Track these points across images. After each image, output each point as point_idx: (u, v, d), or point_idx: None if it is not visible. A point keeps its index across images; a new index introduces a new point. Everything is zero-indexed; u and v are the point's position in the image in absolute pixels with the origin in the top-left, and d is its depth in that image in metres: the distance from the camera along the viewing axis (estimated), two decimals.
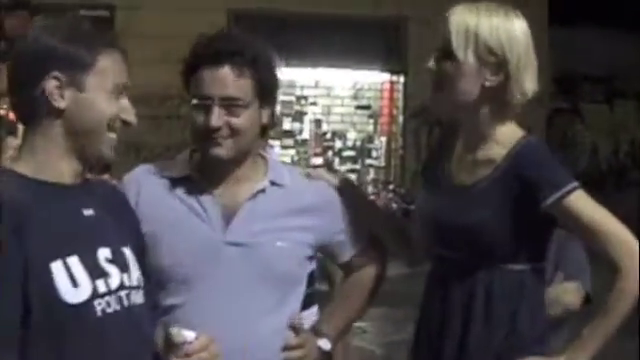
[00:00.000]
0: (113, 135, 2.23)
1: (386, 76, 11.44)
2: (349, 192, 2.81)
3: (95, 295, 2.14)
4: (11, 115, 12.09)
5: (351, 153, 11.77)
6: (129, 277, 2.24)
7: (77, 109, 2.18)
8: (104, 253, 2.20)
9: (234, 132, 2.59)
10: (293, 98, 11.58)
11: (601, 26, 11.11)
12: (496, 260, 2.54)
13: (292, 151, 11.68)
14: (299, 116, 11.64)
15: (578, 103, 12.12)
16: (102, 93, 2.19)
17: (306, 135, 11.72)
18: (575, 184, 2.49)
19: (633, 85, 12.33)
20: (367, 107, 11.66)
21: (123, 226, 2.34)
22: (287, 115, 11.57)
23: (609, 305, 2.45)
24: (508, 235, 2.52)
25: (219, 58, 2.58)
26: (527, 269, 2.57)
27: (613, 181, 12.82)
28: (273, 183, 2.70)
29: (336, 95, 11.60)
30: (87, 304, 2.12)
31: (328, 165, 11.55)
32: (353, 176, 11.60)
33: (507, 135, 2.56)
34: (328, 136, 11.75)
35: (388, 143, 11.65)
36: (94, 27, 2.25)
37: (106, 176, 3.07)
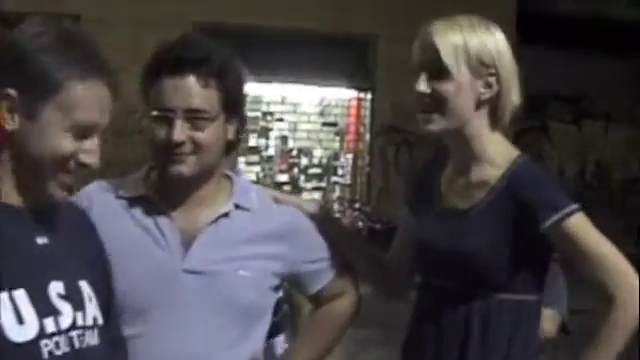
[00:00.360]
0: (66, 177, 1.97)
1: (353, 93, 11.34)
2: (322, 218, 2.62)
3: (42, 335, 1.90)
4: None
5: (317, 170, 11.65)
6: (83, 316, 2.01)
7: (25, 138, 1.93)
8: (56, 288, 1.97)
9: (198, 148, 2.38)
10: (259, 114, 11.46)
11: (569, 46, 11.09)
12: (491, 289, 2.41)
13: (257, 168, 11.55)
14: (265, 132, 11.52)
15: (546, 122, 12.09)
16: (57, 130, 1.92)
17: (272, 152, 11.59)
18: (575, 206, 2.38)
19: (601, 106, 12.33)
20: (334, 124, 11.56)
21: (84, 256, 2.10)
22: (253, 131, 11.42)
23: (602, 338, 2.31)
24: (504, 262, 2.39)
25: (183, 66, 2.38)
26: (524, 300, 2.44)
27: (579, 202, 12.79)
28: (238, 206, 2.50)
29: (302, 111, 11.49)
30: (33, 344, 1.89)
31: (293, 182, 11.46)
32: (318, 194, 11.51)
33: (501, 155, 2.45)
34: (294, 153, 11.62)
35: (354, 161, 11.54)
36: (88, 46, 1.96)
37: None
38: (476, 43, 2.41)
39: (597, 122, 12.81)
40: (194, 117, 2.39)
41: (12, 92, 1.90)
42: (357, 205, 10.91)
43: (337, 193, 11.65)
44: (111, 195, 2.50)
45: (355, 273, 2.68)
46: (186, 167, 2.39)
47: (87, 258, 2.12)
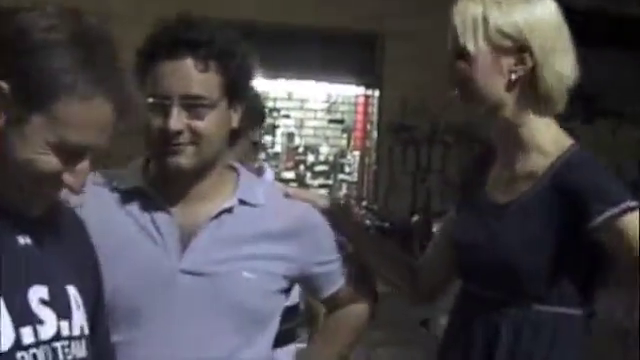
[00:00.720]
0: (51, 193, 1.77)
1: (360, 90, 11.19)
2: (338, 216, 2.45)
3: (18, 346, 1.71)
4: None
5: (323, 168, 11.49)
6: (70, 325, 1.82)
7: (7, 140, 1.71)
8: (38, 293, 1.78)
9: (197, 137, 2.22)
10: (265, 110, 11.30)
11: (583, 44, 10.90)
12: (528, 298, 2.15)
13: (264, 164, 11.39)
14: (271, 129, 11.35)
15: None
16: (40, 143, 1.69)
17: (278, 148, 11.44)
18: (633, 204, 2.13)
19: (614, 104, 12.15)
20: (341, 121, 11.40)
21: (73, 259, 1.91)
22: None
23: None
24: (543, 266, 2.13)
25: (180, 49, 2.21)
26: (564, 313, 2.17)
27: None
28: (242, 202, 2.32)
29: (309, 108, 11.33)
30: (7, 357, 1.69)
31: (300, 179, 11.33)
32: (325, 191, 11.37)
33: (551, 142, 2.18)
34: (300, 150, 11.47)
35: (361, 158, 11.39)
36: (102, 55, 1.71)
37: None
38: (498, 14, 2.14)
39: (610, 121, 12.62)
40: (192, 104, 2.22)
41: (4, 85, 1.69)
42: (364, 203, 10.76)
43: (344, 191, 11.51)
44: (105, 187, 2.32)
45: (371, 277, 2.53)
46: (184, 159, 2.23)
47: (76, 261, 1.93)
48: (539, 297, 2.16)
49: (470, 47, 2.14)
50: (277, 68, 10.67)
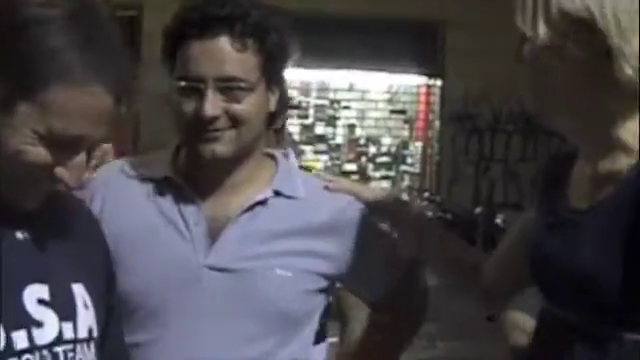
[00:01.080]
0: (46, 187, 1.61)
1: (422, 80, 11.07)
2: (387, 208, 2.23)
3: (9, 352, 1.53)
4: None
5: (385, 159, 11.38)
6: (74, 327, 1.66)
7: None
8: (37, 292, 1.61)
9: (235, 122, 2.04)
10: (326, 102, 11.23)
11: None
12: (620, 326, 1.75)
13: (325, 157, 11.33)
14: (332, 120, 11.28)
15: None
16: (29, 133, 1.53)
17: (339, 140, 11.35)
18: None
19: None
20: (402, 112, 11.29)
21: (81, 255, 1.75)
22: (320, 120, 11.24)
23: None
24: (631, 284, 1.72)
25: (213, 26, 2.03)
26: None
27: None
28: (278, 193, 2.14)
29: (370, 99, 11.24)
30: None
31: (361, 171, 11.24)
32: (387, 183, 11.28)
33: (636, 138, 1.77)
34: (362, 141, 11.37)
35: (424, 149, 11.27)
36: (100, 38, 1.54)
37: None
38: None
39: None
40: (229, 87, 2.05)
41: None
42: (426, 194, 10.65)
43: (406, 182, 11.40)
44: (132, 175, 2.17)
45: (423, 278, 2.33)
46: (222, 145, 2.05)
47: (84, 258, 1.77)
48: (628, 323, 1.75)
49: (528, 31, 1.80)
50: (337, 59, 10.61)
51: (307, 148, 11.25)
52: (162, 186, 2.14)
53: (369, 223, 2.22)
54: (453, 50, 10.24)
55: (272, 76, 2.12)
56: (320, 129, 11.29)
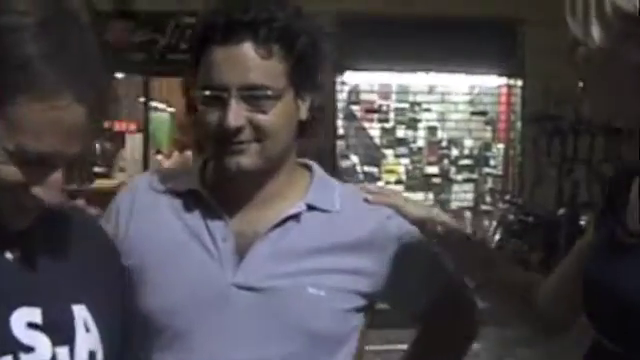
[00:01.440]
0: (29, 204, 1.48)
1: (502, 80, 10.92)
2: (431, 226, 2.04)
3: None
4: (118, 126, 11.95)
5: (468, 161, 11.25)
6: (71, 351, 1.55)
7: None
8: (26, 315, 1.51)
9: (261, 134, 1.91)
10: (406, 105, 11.15)
11: None
12: None
13: (406, 160, 11.25)
14: (413, 123, 11.20)
15: None
16: None
17: (420, 143, 11.26)
18: None
19: None
20: (483, 113, 11.15)
21: (85, 274, 1.64)
22: (401, 123, 11.16)
23: None
24: None
25: (236, 31, 1.90)
26: None
27: None
28: (312, 207, 1.99)
29: (451, 101, 11.12)
30: None
31: (444, 174, 11.13)
32: (470, 186, 11.15)
33: None
34: (443, 144, 11.26)
35: (506, 151, 11.12)
36: (73, 46, 1.42)
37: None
38: None
39: None
40: (254, 95, 1.91)
41: None
42: (508, 197, 10.49)
43: (489, 184, 11.26)
44: (159, 190, 2.05)
45: (470, 297, 2.14)
46: (247, 158, 1.92)
47: (90, 276, 1.66)
48: None
49: (579, 34, 1.62)
50: (416, 61, 10.53)
51: (388, 152, 11.19)
52: (189, 200, 2.02)
53: (410, 238, 2.05)
54: (533, 49, 10.07)
55: (302, 83, 1.97)
56: (401, 132, 11.22)
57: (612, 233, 1.72)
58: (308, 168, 2.07)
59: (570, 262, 1.95)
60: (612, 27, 1.57)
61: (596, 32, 1.58)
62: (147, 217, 2.01)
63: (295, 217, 1.97)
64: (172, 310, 1.92)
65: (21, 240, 1.54)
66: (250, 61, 1.91)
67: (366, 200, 2.06)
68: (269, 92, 1.91)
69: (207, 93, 1.92)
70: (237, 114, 1.89)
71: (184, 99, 2.01)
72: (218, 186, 2.01)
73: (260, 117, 1.91)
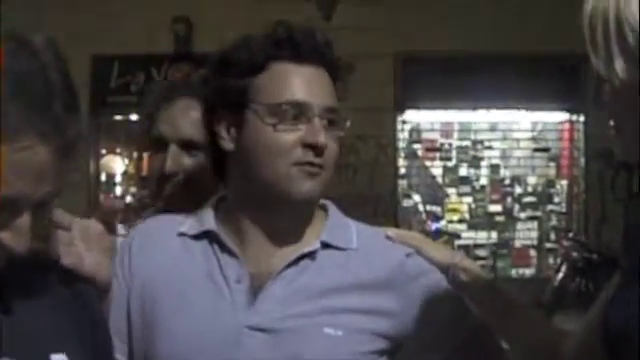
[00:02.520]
0: None
1: (565, 116, 10.75)
2: (453, 271, 1.95)
3: None
4: None
5: (531, 199, 11.07)
6: None
7: None
8: None
9: (325, 161, 1.86)
10: (469, 143, 11.03)
11: None
12: None
13: (469, 199, 11.10)
14: (475, 161, 11.06)
15: None
16: None
17: (483, 181, 11.10)
18: None
19: None
20: (546, 149, 10.98)
21: (66, 323, 1.56)
22: (463, 161, 11.03)
23: None
24: None
25: (311, 52, 1.85)
26: None
27: None
28: (327, 245, 1.92)
29: (513, 138, 10.97)
30: None
31: (507, 212, 10.96)
32: (533, 223, 10.96)
33: None
34: (507, 182, 11.09)
35: (570, 187, 10.91)
36: (40, 86, 1.37)
37: None
38: (632, 6, 1.40)
39: None
40: (331, 119, 1.87)
41: None
42: (572, 234, 10.28)
43: (553, 222, 11.05)
44: (170, 233, 1.99)
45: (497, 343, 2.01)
46: (318, 185, 1.86)
47: (69, 325, 1.57)
48: None
49: (600, 65, 1.49)
50: (477, 99, 10.42)
51: (451, 190, 11.07)
52: (202, 240, 1.96)
53: (432, 278, 1.96)
54: (595, 84, 9.90)
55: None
56: (463, 170, 11.09)
57: (636, 275, 1.57)
58: (324, 208, 2.01)
59: (592, 313, 1.79)
60: (636, 59, 1.44)
61: (619, 66, 1.46)
62: (155, 260, 1.95)
63: (310, 255, 1.91)
64: (184, 356, 1.85)
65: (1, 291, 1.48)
66: (326, 83, 1.88)
67: (388, 237, 1.99)
68: (339, 118, 1.88)
69: (285, 108, 1.84)
70: (325, 134, 1.84)
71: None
72: (235, 226, 1.94)
73: (332, 144, 1.87)
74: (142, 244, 1.99)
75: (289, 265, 1.89)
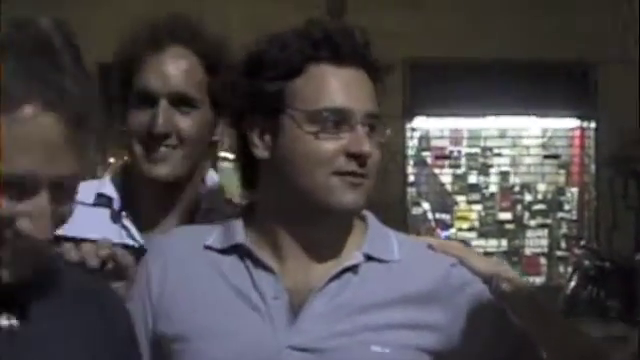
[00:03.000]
0: (20, 246, 1.34)
1: (575, 122, 10.68)
2: (496, 282, 1.88)
3: None
4: None
5: (542, 206, 10.98)
6: None
7: None
8: None
9: (368, 170, 1.76)
10: (478, 150, 10.95)
11: None
12: None
13: (479, 206, 11.02)
14: (485, 169, 10.98)
15: None
16: None
17: (493, 189, 11.02)
18: None
19: None
20: (556, 156, 10.90)
21: (89, 336, 1.48)
22: (472, 168, 10.96)
23: None
24: None
25: (352, 55, 1.75)
26: None
27: None
28: (370, 258, 1.81)
29: (523, 145, 10.89)
30: None
31: (517, 220, 10.88)
32: (544, 231, 10.88)
33: None
34: (516, 189, 11.01)
35: (580, 195, 10.83)
36: (53, 58, 1.34)
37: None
38: None
39: None
40: (373, 125, 1.77)
41: None
42: (583, 242, 10.20)
43: (563, 230, 10.97)
44: (196, 247, 1.86)
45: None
46: (361, 195, 1.76)
47: (93, 337, 1.50)
48: None
49: None
50: (487, 105, 10.35)
51: (460, 198, 11.00)
52: (232, 255, 1.84)
53: (476, 289, 1.88)
54: (606, 89, 9.86)
55: None
56: (473, 178, 11.02)
57: None
58: (362, 218, 1.90)
59: None
60: None
61: None
62: (184, 278, 1.83)
63: (353, 269, 1.81)
64: None
65: (20, 303, 1.42)
66: (367, 86, 1.77)
67: (430, 247, 1.90)
68: (380, 124, 1.78)
69: (326, 114, 1.74)
70: (367, 141, 1.74)
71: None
72: (268, 236, 1.82)
73: (374, 151, 1.77)
74: (164, 261, 1.87)
75: (331, 279, 1.78)
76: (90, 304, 1.55)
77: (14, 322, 1.42)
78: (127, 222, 2.15)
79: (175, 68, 2.11)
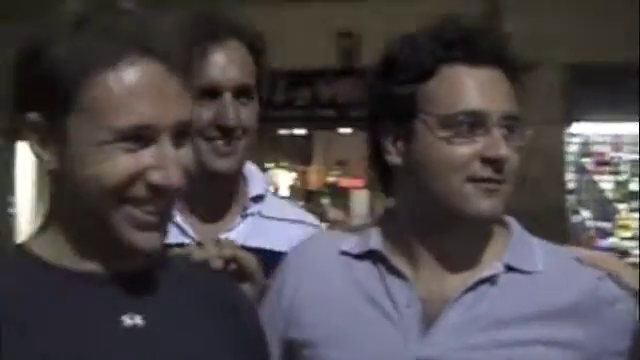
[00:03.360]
0: (138, 212, 1.35)
1: None
2: None
3: None
4: (344, 182, 12.13)
5: None
6: None
7: (65, 169, 1.37)
8: None
9: (507, 176, 1.73)
10: None
11: None
12: None
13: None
14: None
15: None
16: (90, 147, 1.33)
17: None
18: None
19: None
20: None
21: (218, 336, 1.48)
22: (635, 175, 10.68)
23: None
24: None
25: (486, 53, 1.70)
26: None
27: None
28: (510, 268, 1.77)
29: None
30: None
31: None
32: None
33: None
34: None
35: None
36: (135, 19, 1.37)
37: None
38: None
39: None
40: (510, 126, 1.72)
41: (33, 116, 1.35)
42: None
43: None
44: (332, 253, 1.86)
45: None
46: (499, 203, 1.72)
47: (221, 338, 1.50)
48: None
49: None
50: (592, 111, 10.08)
51: (621, 206, 10.72)
52: (366, 261, 1.83)
53: (626, 305, 1.79)
54: None
55: None
56: (635, 185, 10.73)
57: None
58: (504, 224, 1.85)
59: None
60: None
61: None
62: (317, 283, 1.85)
63: (491, 280, 1.76)
64: None
65: (143, 301, 1.42)
66: (504, 86, 1.71)
67: (578, 260, 1.82)
68: (519, 125, 1.72)
69: (460, 118, 1.70)
70: (504, 145, 1.69)
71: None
72: (403, 244, 1.79)
73: (512, 155, 1.71)
74: (299, 264, 1.90)
75: (467, 290, 1.75)
76: (218, 304, 1.55)
77: (139, 321, 1.42)
78: (180, 220, 2.15)
79: (235, 60, 2.15)
